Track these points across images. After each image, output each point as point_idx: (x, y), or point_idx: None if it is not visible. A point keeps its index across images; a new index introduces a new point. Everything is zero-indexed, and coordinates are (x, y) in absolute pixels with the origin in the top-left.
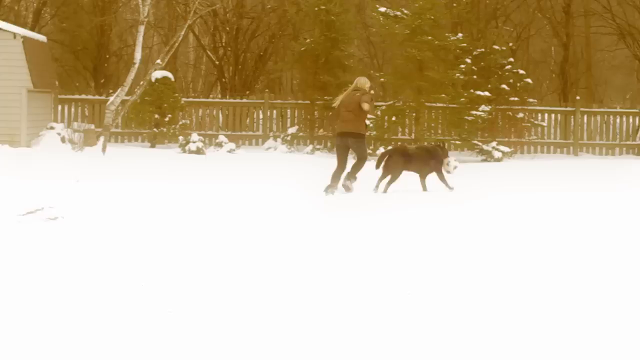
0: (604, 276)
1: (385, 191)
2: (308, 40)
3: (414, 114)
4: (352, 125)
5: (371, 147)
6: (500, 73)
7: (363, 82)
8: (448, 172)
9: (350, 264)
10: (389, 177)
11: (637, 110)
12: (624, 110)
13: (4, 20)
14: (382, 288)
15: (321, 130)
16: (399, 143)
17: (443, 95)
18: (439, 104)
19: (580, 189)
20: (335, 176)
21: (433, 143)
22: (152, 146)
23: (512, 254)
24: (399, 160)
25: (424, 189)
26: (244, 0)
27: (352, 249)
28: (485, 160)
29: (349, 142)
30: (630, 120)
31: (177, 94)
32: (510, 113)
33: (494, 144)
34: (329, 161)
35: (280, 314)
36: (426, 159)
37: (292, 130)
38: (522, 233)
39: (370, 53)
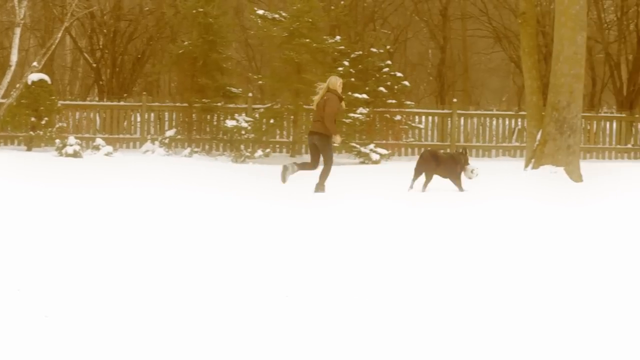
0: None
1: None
2: (186, 42)
3: (292, 117)
4: (319, 125)
5: (249, 150)
6: (378, 75)
7: (334, 81)
8: (469, 178)
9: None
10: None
11: (513, 113)
12: (500, 113)
13: None
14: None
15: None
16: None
17: None
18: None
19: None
20: (303, 168)
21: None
22: (29, 150)
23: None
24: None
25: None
26: (121, 2)
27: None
28: (363, 162)
29: (314, 140)
30: (507, 122)
31: (53, 97)
32: (388, 115)
33: (371, 146)
34: (208, 163)
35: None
36: (452, 164)
37: (170, 133)
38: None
39: (249, 55)
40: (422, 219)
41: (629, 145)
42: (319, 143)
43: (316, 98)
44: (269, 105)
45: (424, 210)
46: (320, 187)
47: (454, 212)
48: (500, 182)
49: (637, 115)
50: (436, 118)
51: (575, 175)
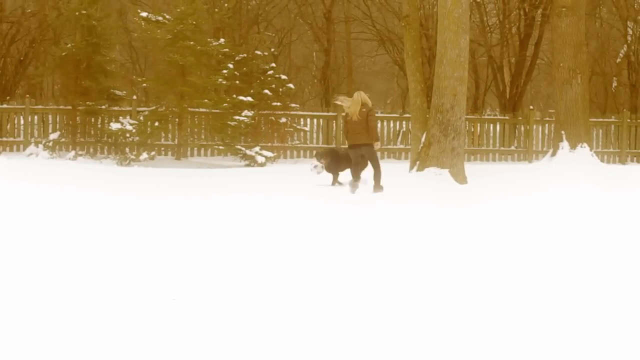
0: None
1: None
2: (69, 45)
3: (177, 119)
4: (364, 136)
5: (134, 153)
6: (262, 78)
7: (365, 96)
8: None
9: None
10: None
11: (397, 115)
12: (385, 115)
13: None
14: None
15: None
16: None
17: (206, 100)
18: (202, 109)
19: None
20: (356, 172)
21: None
22: None
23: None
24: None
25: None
26: (3, 4)
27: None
28: (248, 165)
29: (362, 151)
30: (391, 124)
31: None
32: (273, 118)
33: (257, 148)
34: (92, 167)
35: None
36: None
37: (53, 136)
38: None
39: (133, 58)
40: (316, 221)
41: (513, 147)
42: (368, 152)
43: (351, 112)
44: (154, 107)
45: (319, 212)
46: (378, 187)
47: (342, 216)
48: (386, 184)
49: (519, 118)
50: (321, 120)
51: (460, 177)
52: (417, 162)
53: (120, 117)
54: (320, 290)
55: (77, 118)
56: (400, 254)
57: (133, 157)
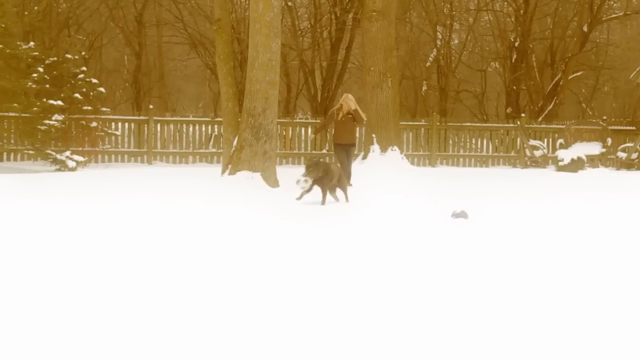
0: None
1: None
2: None
3: None
4: (352, 136)
5: None
6: (73, 82)
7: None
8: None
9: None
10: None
11: (209, 119)
12: (197, 119)
13: None
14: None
15: None
16: None
17: (15, 104)
18: (11, 114)
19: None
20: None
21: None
22: None
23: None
24: None
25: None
26: None
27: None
28: (59, 169)
29: (349, 149)
30: (203, 128)
31: None
32: (84, 122)
33: (68, 153)
34: None
35: None
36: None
37: None
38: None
39: None
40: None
41: (324, 151)
42: (352, 151)
43: (341, 113)
44: None
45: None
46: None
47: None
48: (197, 189)
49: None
50: (133, 125)
51: (272, 181)
52: (230, 166)
53: None
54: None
55: None
56: (209, 255)
57: None
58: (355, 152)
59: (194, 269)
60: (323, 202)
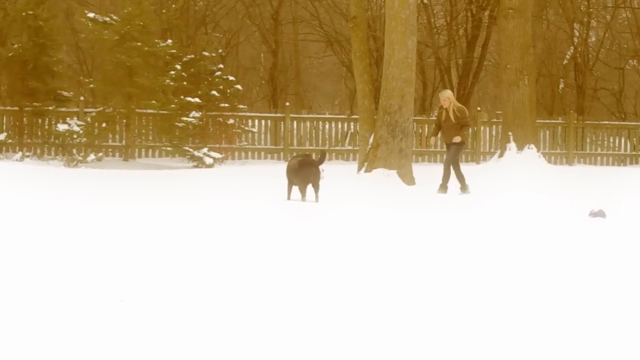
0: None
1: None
2: (16, 45)
3: (124, 121)
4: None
5: (81, 154)
6: (210, 79)
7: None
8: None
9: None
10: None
11: (345, 116)
12: (333, 116)
13: None
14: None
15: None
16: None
17: (153, 101)
18: (149, 111)
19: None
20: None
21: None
22: None
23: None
24: None
25: None
26: None
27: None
28: (196, 166)
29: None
30: (339, 125)
31: None
32: (220, 119)
33: (205, 150)
34: (39, 168)
35: None
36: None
37: (0, 137)
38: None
39: (80, 59)
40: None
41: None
42: (452, 150)
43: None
44: (101, 109)
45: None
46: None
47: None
48: (334, 185)
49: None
50: (269, 122)
51: (408, 179)
52: (365, 164)
53: (68, 118)
54: (278, 294)
55: (24, 119)
56: (356, 254)
57: (80, 158)
58: (463, 152)
59: (326, 266)
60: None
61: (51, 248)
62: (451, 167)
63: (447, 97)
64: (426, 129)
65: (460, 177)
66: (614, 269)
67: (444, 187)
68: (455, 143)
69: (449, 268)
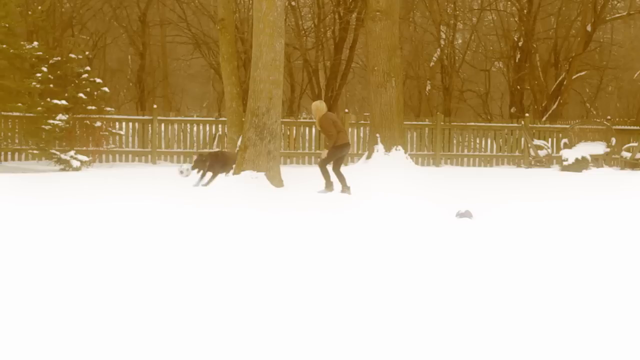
0: None
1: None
2: None
3: None
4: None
5: None
6: (77, 81)
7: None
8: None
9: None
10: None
11: (213, 119)
12: (201, 119)
13: None
14: None
15: None
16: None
17: (19, 104)
18: (15, 113)
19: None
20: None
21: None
22: None
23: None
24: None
25: None
26: None
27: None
28: (63, 169)
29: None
30: (207, 128)
31: None
32: (88, 122)
33: (72, 152)
34: None
35: None
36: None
37: None
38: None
39: None
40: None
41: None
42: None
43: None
44: None
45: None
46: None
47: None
48: (200, 189)
49: None
50: (137, 124)
51: (276, 180)
52: (233, 166)
53: None
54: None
55: None
56: (231, 254)
57: None
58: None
59: (202, 268)
60: (207, 183)
61: None
62: (328, 169)
63: (313, 109)
64: (294, 131)
65: (341, 178)
66: (481, 266)
67: (329, 185)
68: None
69: (319, 268)
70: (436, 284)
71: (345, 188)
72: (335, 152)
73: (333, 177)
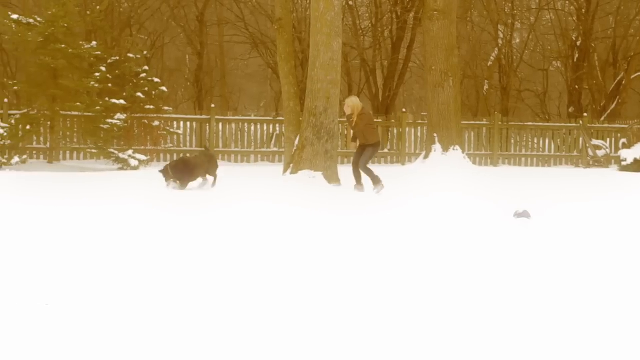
0: None
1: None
2: None
3: (49, 123)
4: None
5: (5, 157)
6: (135, 81)
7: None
8: None
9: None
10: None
11: (271, 118)
12: (259, 118)
13: None
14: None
15: None
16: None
17: (78, 103)
18: (74, 113)
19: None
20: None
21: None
22: None
23: None
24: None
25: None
26: None
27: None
28: (121, 168)
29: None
30: (265, 127)
31: None
32: (146, 121)
33: (130, 152)
34: None
35: None
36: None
37: None
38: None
39: (3, 61)
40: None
41: (386, 150)
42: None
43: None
44: (25, 111)
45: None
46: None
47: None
48: (260, 187)
49: (392, 121)
50: (194, 124)
51: (334, 180)
52: (291, 165)
53: None
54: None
55: None
56: (280, 254)
57: (5, 160)
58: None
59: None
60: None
61: None
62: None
63: (348, 104)
64: (351, 131)
65: (371, 174)
66: (539, 268)
67: (377, 181)
68: (370, 145)
69: (382, 268)
70: (493, 284)
71: (360, 185)
72: (376, 150)
73: (347, 171)
